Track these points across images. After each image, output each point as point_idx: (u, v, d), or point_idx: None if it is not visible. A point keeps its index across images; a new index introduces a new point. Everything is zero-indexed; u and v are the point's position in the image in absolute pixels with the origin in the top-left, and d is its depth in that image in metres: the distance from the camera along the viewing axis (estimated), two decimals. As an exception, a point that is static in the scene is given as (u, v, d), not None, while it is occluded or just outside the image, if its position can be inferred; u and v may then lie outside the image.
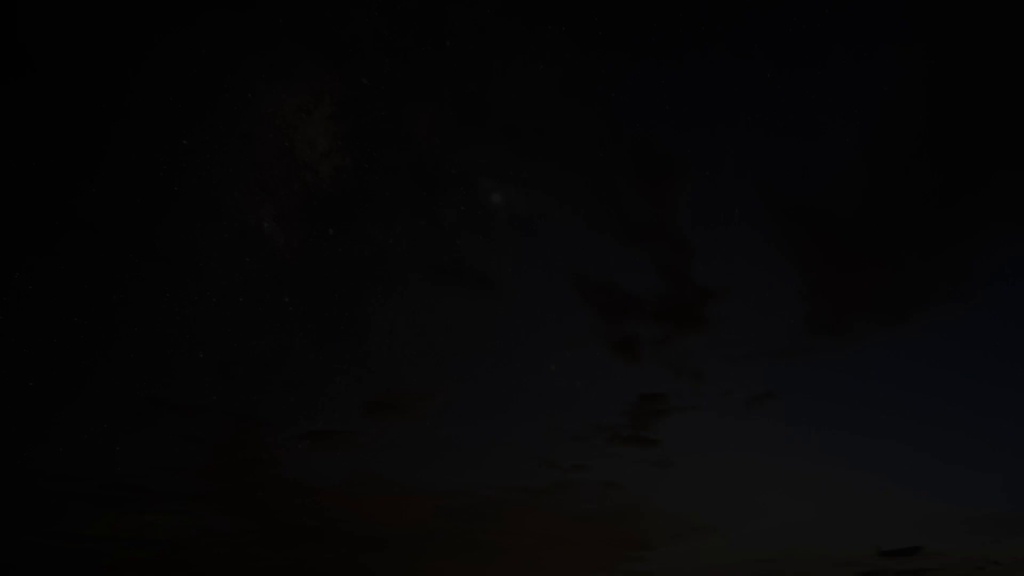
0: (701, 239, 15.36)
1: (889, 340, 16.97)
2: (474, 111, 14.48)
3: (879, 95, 14.28)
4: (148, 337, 13.89)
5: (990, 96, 14.16)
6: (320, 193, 14.13)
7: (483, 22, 13.92)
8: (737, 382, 17.01)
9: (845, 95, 14.37)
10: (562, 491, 17.44)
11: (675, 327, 16.25)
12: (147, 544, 15.57)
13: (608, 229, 15.60)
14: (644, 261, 15.86)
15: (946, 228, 15.55)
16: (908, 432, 17.42)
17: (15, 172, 12.31)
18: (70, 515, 15.24)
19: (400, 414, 16.38)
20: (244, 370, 14.80)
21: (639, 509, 17.95)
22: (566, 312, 16.43)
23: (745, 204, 15.15)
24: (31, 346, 13.27)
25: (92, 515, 15.48)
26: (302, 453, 15.99)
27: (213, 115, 13.12)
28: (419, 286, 15.52)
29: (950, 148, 14.56)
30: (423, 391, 16.57)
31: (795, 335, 16.82)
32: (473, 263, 15.54)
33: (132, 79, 12.69)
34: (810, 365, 17.22)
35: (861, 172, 15.10)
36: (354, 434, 16.09)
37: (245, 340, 14.42)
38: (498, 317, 16.15)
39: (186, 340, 14.09)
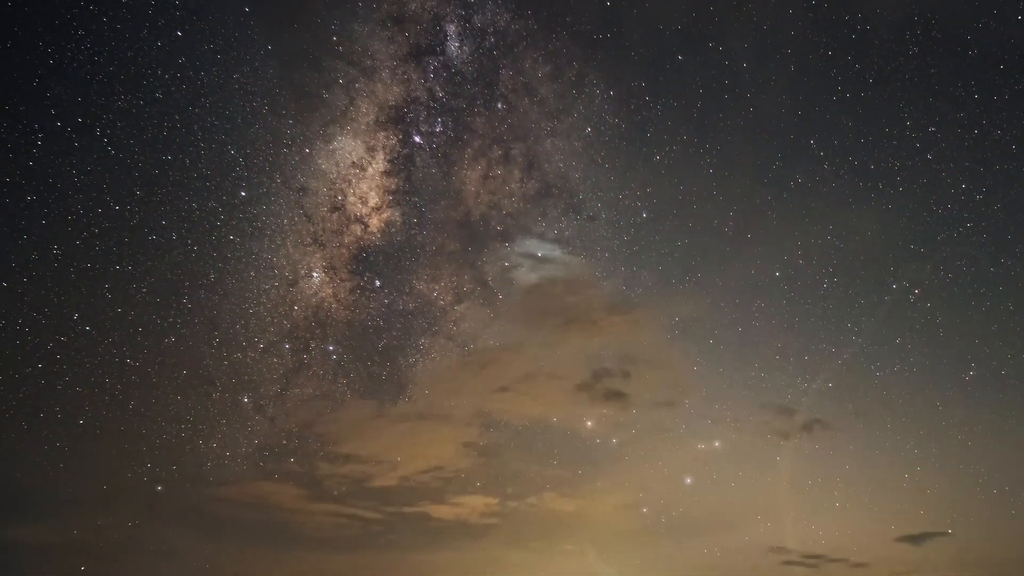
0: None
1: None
2: (522, 170, 14.70)
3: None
4: (195, 380, 14.22)
5: None
6: (369, 246, 14.43)
7: (534, 86, 14.22)
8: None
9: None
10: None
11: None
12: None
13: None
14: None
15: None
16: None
17: (72, 219, 12.81)
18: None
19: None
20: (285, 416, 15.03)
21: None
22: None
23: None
24: (84, 384, 13.66)
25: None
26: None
27: (271, 168, 13.55)
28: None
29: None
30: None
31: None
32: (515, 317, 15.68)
33: (196, 131, 13.18)
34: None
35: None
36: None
37: (289, 387, 14.69)
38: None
39: (232, 384, 14.39)
